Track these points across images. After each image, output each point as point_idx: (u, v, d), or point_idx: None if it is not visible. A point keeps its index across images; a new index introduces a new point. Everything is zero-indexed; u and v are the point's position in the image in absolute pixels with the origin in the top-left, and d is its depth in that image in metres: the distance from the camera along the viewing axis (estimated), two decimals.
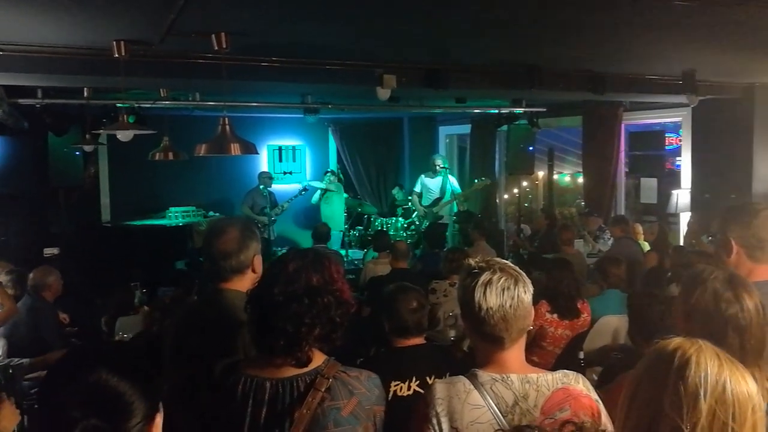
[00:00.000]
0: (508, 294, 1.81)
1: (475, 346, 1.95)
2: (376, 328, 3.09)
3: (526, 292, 1.85)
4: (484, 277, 1.83)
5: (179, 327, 2.56)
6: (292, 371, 1.82)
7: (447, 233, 9.78)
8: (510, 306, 1.81)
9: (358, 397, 1.82)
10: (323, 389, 1.78)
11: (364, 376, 1.88)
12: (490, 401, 1.80)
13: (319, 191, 10.22)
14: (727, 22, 3.91)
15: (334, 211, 10.02)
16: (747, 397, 1.19)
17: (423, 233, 9.23)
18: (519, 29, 4.17)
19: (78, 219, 8.77)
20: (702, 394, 1.17)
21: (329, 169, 10.68)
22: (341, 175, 11.30)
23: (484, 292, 1.81)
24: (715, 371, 1.19)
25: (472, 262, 1.91)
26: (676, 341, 1.29)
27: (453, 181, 9.90)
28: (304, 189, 10.04)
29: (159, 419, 1.29)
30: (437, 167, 9.72)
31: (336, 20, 3.85)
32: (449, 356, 3.00)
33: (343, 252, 9.67)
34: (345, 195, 10.36)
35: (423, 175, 9.86)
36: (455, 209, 9.85)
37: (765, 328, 1.98)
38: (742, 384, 1.20)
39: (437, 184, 9.77)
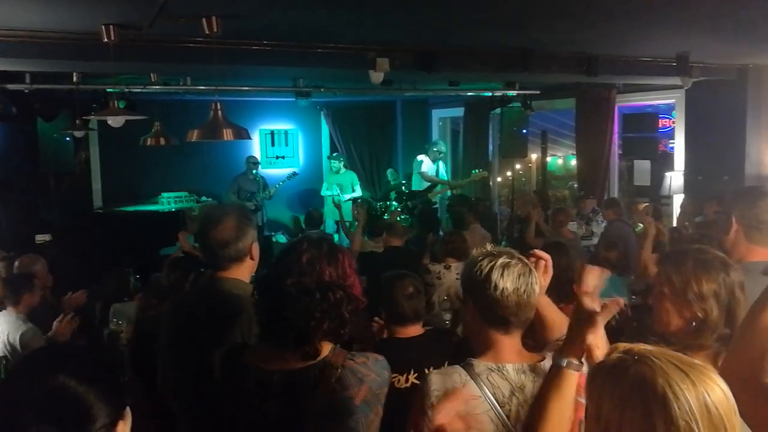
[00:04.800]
0: (524, 280, 1.84)
1: (474, 332, 1.93)
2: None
3: (536, 284, 1.88)
4: (503, 260, 1.85)
5: (174, 316, 2.54)
6: (299, 363, 1.79)
7: (438, 216, 9.80)
8: (524, 292, 1.83)
9: (368, 384, 1.80)
10: (333, 380, 1.76)
11: (371, 360, 1.86)
12: (487, 392, 1.80)
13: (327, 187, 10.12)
14: (720, 3, 3.89)
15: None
16: (726, 401, 1.17)
17: (416, 217, 9.23)
18: (511, 11, 4.14)
19: (69, 205, 8.71)
20: (695, 427, 1.13)
21: (335, 154, 10.46)
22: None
23: (502, 274, 1.82)
24: (693, 394, 1.14)
25: (489, 247, 1.94)
26: (634, 367, 1.20)
27: (441, 169, 9.94)
28: (294, 173, 9.99)
29: (122, 426, 1.23)
30: (437, 153, 9.72)
31: (328, 3, 3.81)
32: (449, 343, 2.97)
33: (336, 237, 9.66)
34: (356, 185, 10.17)
35: (423, 158, 9.81)
36: (448, 193, 9.88)
37: (740, 298, 1.96)
38: (716, 389, 1.17)
39: (432, 170, 9.77)
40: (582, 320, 1.64)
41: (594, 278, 1.71)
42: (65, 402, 1.15)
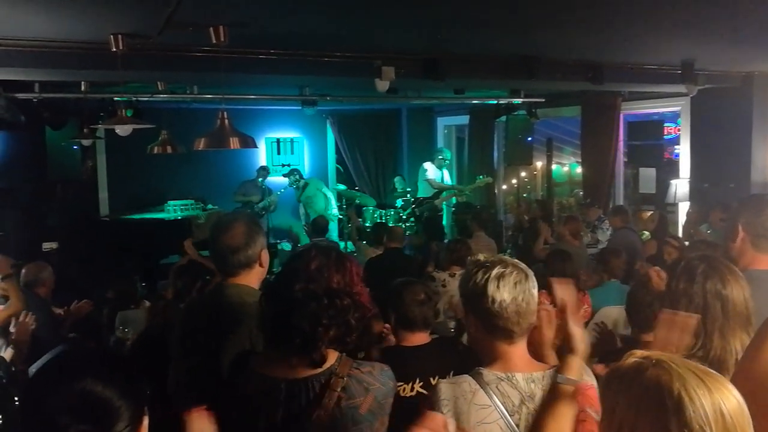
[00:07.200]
0: (521, 288, 1.81)
1: (479, 343, 1.92)
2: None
3: (534, 288, 1.85)
4: (497, 270, 1.82)
5: (186, 321, 2.56)
6: (306, 371, 1.79)
7: (444, 224, 9.82)
8: (522, 300, 1.80)
9: (374, 393, 1.81)
10: (339, 389, 1.76)
11: (377, 369, 1.86)
12: (497, 401, 1.79)
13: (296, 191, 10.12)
14: (725, 11, 3.90)
15: (319, 208, 9.84)
16: (741, 411, 1.16)
17: (422, 224, 9.24)
18: (516, 19, 4.15)
19: (76, 213, 8.75)
20: None
21: (292, 168, 10.43)
22: (340, 168, 11.30)
23: (498, 285, 1.80)
24: (709, 400, 1.14)
25: (481, 257, 1.91)
26: (651, 371, 1.21)
27: (446, 176, 10.00)
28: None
29: (146, 421, 1.33)
30: (442, 161, 9.77)
31: (334, 11, 3.84)
32: (454, 352, 2.97)
33: (342, 244, 9.66)
34: (323, 189, 10.15)
35: (428, 165, 9.87)
36: (453, 200, 9.91)
37: (748, 302, 2.03)
38: (731, 397, 1.17)
39: (438, 177, 9.82)
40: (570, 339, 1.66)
41: (563, 291, 1.78)
42: (96, 403, 1.23)
